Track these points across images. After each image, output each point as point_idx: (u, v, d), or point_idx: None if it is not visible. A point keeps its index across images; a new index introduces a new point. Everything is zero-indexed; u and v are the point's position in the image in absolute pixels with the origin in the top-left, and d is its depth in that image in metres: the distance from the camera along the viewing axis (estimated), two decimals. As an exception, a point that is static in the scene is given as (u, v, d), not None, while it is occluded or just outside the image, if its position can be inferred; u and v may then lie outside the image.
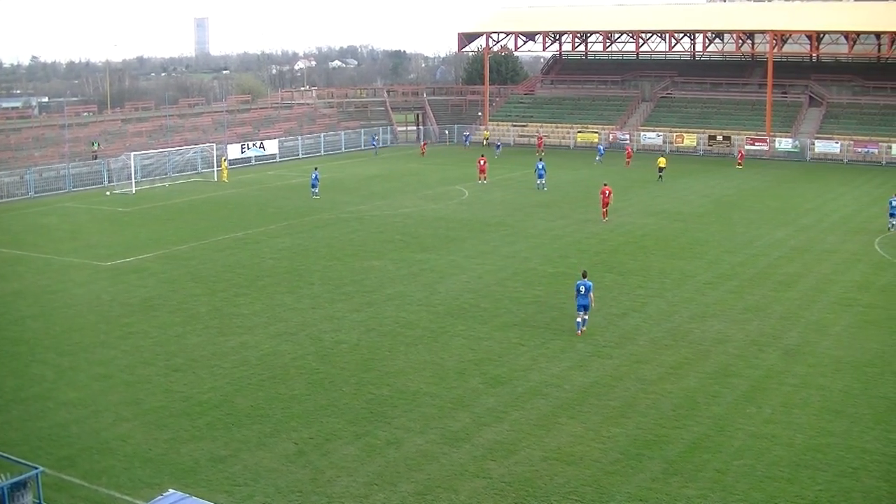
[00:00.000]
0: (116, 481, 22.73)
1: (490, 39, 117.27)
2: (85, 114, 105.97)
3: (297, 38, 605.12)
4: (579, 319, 34.58)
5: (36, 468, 19.67)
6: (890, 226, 55.69)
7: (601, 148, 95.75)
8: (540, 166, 73.25)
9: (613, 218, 57.50)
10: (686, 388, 29.05)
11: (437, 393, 28.71)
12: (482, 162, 77.01)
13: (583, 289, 34.19)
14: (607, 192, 57.39)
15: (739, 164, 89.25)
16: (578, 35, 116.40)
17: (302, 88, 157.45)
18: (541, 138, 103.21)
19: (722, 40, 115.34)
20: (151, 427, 26.09)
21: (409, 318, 36.82)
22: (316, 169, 71.99)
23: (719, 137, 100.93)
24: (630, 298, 39.70)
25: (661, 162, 79.54)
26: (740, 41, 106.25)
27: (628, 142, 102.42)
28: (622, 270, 44.78)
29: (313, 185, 68.93)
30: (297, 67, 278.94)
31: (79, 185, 76.66)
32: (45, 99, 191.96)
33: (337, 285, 42.07)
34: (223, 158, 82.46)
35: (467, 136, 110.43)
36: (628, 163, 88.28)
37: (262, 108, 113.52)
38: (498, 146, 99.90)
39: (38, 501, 19.37)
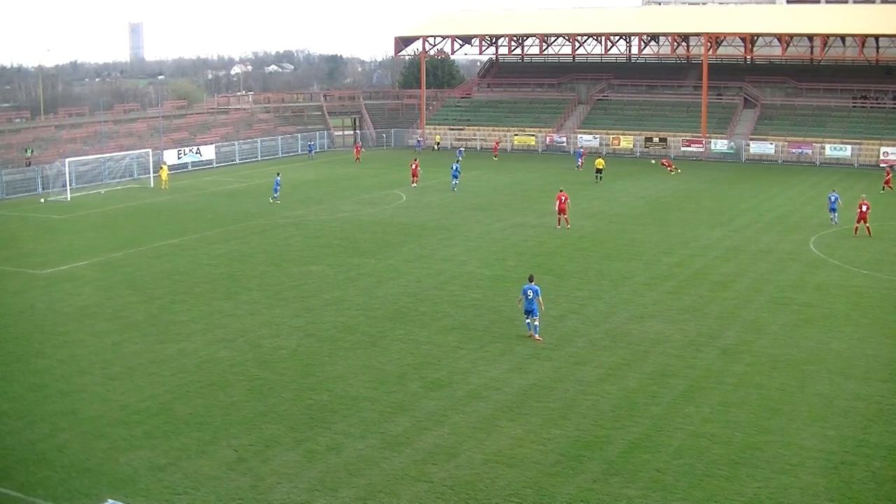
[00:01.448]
0: (53, 493, 22.39)
1: (427, 43, 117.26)
2: (17, 120, 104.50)
3: (233, 43, 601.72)
4: (528, 321, 34.63)
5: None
6: (832, 221, 56.67)
7: (579, 152, 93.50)
8: (455, 167, 73.43)
9: (550, 220, 57.67)
10: (625, 389, 29.21)
11: (376, 397, 28.63)
12: (414, 166, 77.12)
13: (531, 293, 34.13)
14: (563, 198, 57.18)
15: (670, 169, 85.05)
16: (514, 38, 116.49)
17: (238, 93, 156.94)
18: (497, 143, 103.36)
19: (657, 43, 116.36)
20: (89, 437, 25.72)
21: (348, 323, 36.69)
22: (278, 174, 71.63)
23: (655, 139, 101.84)
24: (568, 300, 39.86)
25: (599, 163, 79.94)
26: (675, 43, 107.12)
27: (564, 144, 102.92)
28: (560, 272, 44.96)
29: (275, 190, 68.60)
30: (233, 72, 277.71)
31: (12, 193, 75.62)
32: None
33: (275, 291, 41.84)
34: (162, 164, 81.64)
35: (420, 142, 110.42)
36: (580, 165, 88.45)
37: (198, 114, 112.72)
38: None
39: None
